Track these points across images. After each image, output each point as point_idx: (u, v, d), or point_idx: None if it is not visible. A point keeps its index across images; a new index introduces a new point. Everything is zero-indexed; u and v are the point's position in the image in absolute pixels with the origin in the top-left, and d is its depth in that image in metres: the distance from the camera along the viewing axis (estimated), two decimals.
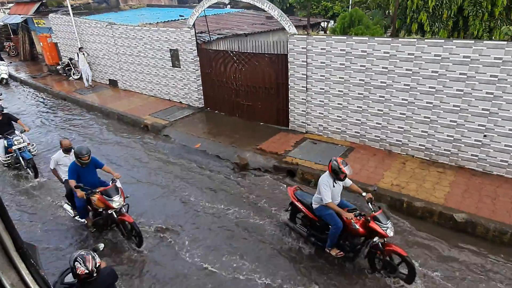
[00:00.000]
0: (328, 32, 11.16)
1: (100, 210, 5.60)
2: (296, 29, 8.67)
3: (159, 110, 11.68)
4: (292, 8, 22.13)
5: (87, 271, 3.30)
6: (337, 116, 8.49)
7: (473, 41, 6.33)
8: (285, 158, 7.97)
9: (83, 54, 14.40)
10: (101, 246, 4.03)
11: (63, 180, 6.16)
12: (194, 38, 10.73)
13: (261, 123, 10.17)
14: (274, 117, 9.89)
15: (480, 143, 6.73)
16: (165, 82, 12.42)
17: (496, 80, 6.22)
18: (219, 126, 10.22)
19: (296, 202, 5.56)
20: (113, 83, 14.90)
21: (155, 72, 12.57)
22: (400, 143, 7.73)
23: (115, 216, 5.51)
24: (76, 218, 6.20)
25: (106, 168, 5.85)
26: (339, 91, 8.21)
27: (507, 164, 6.56)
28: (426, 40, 6.76)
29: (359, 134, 8.31)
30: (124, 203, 5.62)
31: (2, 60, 18.28)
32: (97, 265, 3.38)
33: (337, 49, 7.86)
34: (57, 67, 17.26)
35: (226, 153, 8.71)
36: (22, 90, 16.19)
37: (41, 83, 16.26)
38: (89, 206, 5.84)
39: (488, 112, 6.48)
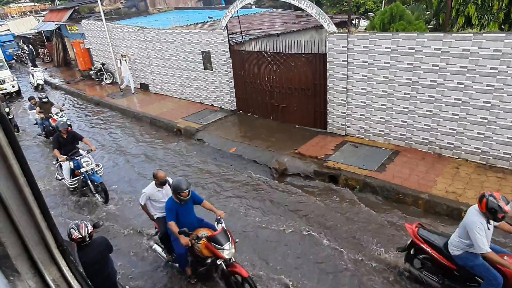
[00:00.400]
0: (366, 29, 10.63)
1: (205, 259, 4.52)
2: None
3: (191, 114, 11.57)
4: (320, 5, 21.57)
5: (80, 236, 3.83)
6: (380, 118, 8.02)
7: None
8: (326, 163, 7.59)
9: (125, 60, 14.13)
10: (101, 223, 4.45)
11: (155, 217, 5.19)
12: (227, 39, 10.52)
13: (297, 126, 9.83)
14: (310, 119, 9.53)
15: None
16: (196, 85, 12.31)
17: None
18: (254, 129, 9.96)
19: (423, 245, 4.41)
20: (144, 87, 14.97)
21: (186, 75, 12.48)
22: (452, 146, 7.18)
23: (225, 267, 4.40)
24: (170, 263, 5.31)
25: (206, 204, 4.81)
26: (382, 91, 7.75)
27: None
28: (484, 35, 6.20)
29: (404, 137, 7.81)
30: (235, 252, 4.52)
31: (37, 66, 18.81)
32: (89, 232, 3.92)
33: (381, 46, 7.41)
34: (90, 72, 17.58)
35: (263, 157, 8.43)
36: (57, 95, 16.59)
37: (74, 88, 16.61)
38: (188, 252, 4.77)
39: None
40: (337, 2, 19.61)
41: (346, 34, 7.84)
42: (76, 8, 18.99)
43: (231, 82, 11.08)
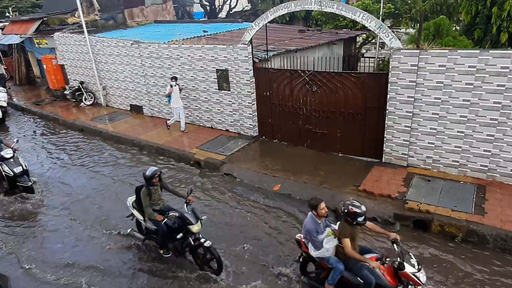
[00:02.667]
0: (406, 44, 9.61)
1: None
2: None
3: (206, 142, 9.86)
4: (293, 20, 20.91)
5: None
6: (455, 147, 6.93)
7: None
8: (407, 204, 6.29)
9: (178, 85, 10.24)
10: None
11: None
12: (251, 56, 9.07)
13: (340, 154, 8.53)
14: (358, 148, 8.27)
15: None
16: (207, 108, 10.65)
17: None
18: (290, 160, 8.49)
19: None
20: (136, 109, 12.98)
21: (194, 96, 10.79)
22: None
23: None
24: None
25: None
26: (461, 116, 6.67)
27: None
28: None
29: (486, 168, 6.75)
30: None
31: (4, 86, 15.94)
32: None
33: (464, 65, 6.35)
34: (65, 92, 15.18)
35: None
36: (26, 120, 14.01)
37: (48, 111, 14.15)
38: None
39: None
40: (332, 17, 18.89)
41: (417, 51, 6.71)
42: (44, 19, 16.56)
43: (253, 104, 9.58)
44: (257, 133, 9.94)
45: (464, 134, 6.77)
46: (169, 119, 10.98)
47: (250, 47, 9.01)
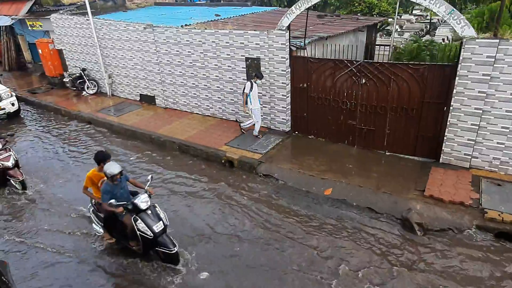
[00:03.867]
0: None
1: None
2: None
3: (235, 138, 8.98)
4: (326, 5, 19.82)
5: None
6: None
7: None
8: (488, 214, 5.63)
9: (257, 83, 8.44)
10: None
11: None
12: (288, 43, 8.15)
13: (387, 153, 7.81)
14: (410, 146, 7.55)
15: None
16: (232, 99, 9.73)
17: None
18: (335, 159, 7.72)
19: None
20: (147, 100, 11.92)
21: (217, 87, 9.83)
22: None
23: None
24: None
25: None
26: (506, 110, 6.01)
27: None
28: None
29: None
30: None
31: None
32: None
33: None
34: (63, 80, 13.93)
35: (382, 203, 6.26)
36: (23, 110, 12.75)
37: (48, 101, 12.91)
38: None
39: None
40: (346, 1, 17.99)
41: (496, 41, 5.94)
42: None
43: (288, 97, 8.71)
44: (290, 128, 9.10)
45: None
46: (241, 121, 9.30)
47: (288, 33, 8.09)
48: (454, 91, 6.54)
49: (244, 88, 8.30)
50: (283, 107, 8.84)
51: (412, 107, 7.23)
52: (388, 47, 11.37)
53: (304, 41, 8.51)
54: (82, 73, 13.15)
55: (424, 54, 10.41)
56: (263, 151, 8.20)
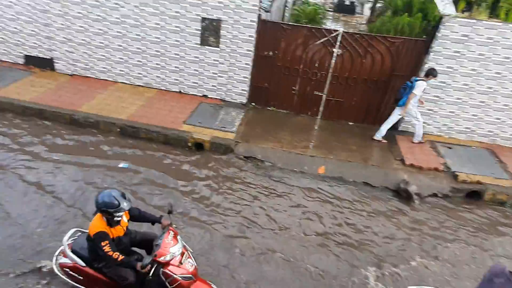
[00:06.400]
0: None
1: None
2: None
3: (190, 114, 7.73)
4: None
5: None
6: (472, 115, 7.47)
7: None
8: (459, 176, 6.53)
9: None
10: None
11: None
12: (258, 5, 7.16)
13: (351, 123, 8.12)
14: (372, 116, 8.01)
15: None
16: (176, 67, 8.19)
17: None
18: (310, 133, 7.56)
19: None
20: (39, 64, 8.91)
21: (156, 52, 8.07)
22: None
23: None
24: None
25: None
26: (487, 87, 7.13)
27: None
28: None
29: (492, 133, 7.58)
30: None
31: None
32: None
33: (510, 39, 6.60)
34: None
35: (374, 177, 6.54)
36: None
37: None
38: None
39: None
40: None
41: (474, 21, 6.54)
42: None
43: (248, 66, 7.86)
44: (246, 100, 8.36)
45: (485, 104, 7.30)
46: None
47: None
48: (426, 65, 7.05)
49: (416, 88, 6.61)
50: (244, 77, 7.97)
51: (382, 79, 7.54)
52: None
53: (271, 3, 7.63)
54: None
55: (318, 18, 11.00)
56: (233, 129, 7.35)
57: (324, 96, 7.45)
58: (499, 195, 6.34)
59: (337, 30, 7.15)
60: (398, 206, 6.07)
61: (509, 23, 7.00)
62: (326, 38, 7.22)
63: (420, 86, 6.64)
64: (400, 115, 7.11)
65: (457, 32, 6.66)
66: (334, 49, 7.12)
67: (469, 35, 6.65)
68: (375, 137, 7.49)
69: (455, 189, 6.43)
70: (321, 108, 7.52)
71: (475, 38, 6.68)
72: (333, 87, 7.75)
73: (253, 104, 8.44)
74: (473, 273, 4.84)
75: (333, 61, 6.67)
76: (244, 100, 8.30)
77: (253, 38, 7.45)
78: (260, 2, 7.29)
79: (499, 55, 6.76)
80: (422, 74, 6.98)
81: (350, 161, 6.84)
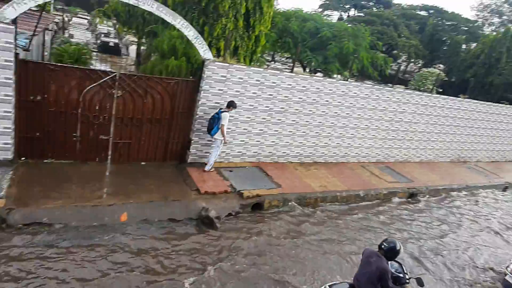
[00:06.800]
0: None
1: None
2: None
3: None
4: None
5: None
6: (241, 141, 9.05)
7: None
8: (244, 194, 7.76)
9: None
10: None
11: None
12: (14, 43, 6.08)
13: (143, 163, 8.15)
14: (162, 153, 8.32)
15: None
16: None
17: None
18: (102, 180, 7.01)
19: None
20: None
21: None
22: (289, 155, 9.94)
23: None
24: None
25: None
26: (247, 117, 8.83)
27: None
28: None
29: (256, 153, 9.44)
30: None
31: None
32: None
33: (253, 79, 8.46)
34: None
35: (178, 212, 6.82)
36: None
37: None
38: None
39: None
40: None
41: (227, 64, 7.96)
42: None
43: (12, 114, 6.51)
44: (13, 156, 6.85)
45: (247, 130, 9.01)
46: None
47: (15, 29, 6.01)
48: (199, 102, 8.02)
49: (223, 119, 7.78)
50: (5, 127, 6.51)
51: (165, 117, 7.97)
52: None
53: (31, 40, 6.63)
54: None
55: (84, 58, 10.92)
56: (0, 193, 5.85)
57: (110, 140, 7.19)
58: (274, 202, 7.98)
59: (114, 72, 7.11)
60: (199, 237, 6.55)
61: (251, 66, 9.06)
62: (103, 80, 6.98)
63: (226, 117, 7.83)
64: (224, 144, 8.27)
65: (217, 74, 7.98)
66: (113, 91, 7.05)
67: (227, 75, 8.10)
68: (205, 169, 8.33)
69: (243, 205, 7.60)
70: (109, 153, 7.21)
71: (231, 78, 8.20)
72: (119, 129, 7.56)
73: (24, 159, 7.01)
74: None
75: (114, 103, 6.55)
76: (9, 156, 6.76)
77: (11, 81, 6.24)
78: (16, 39, 6.23)
79: (250, 91, 8.57)
80: (225, 106, 8.05)
81: (152, 201, 6.84)
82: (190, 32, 7.34)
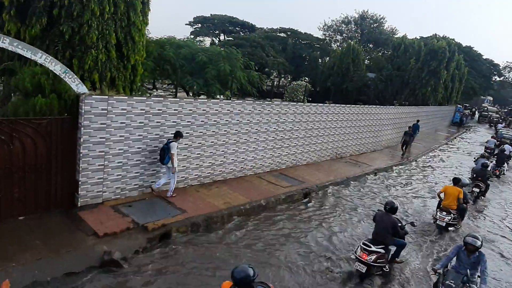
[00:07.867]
0: None
1: None
2: None
3: None
4: None
5: None
6: (135, 173, 8.58)
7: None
8: (148, 226, 7.35)
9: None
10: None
11: None
12: None
13: (21, 217, 7.01)
14: (45, 202, 7.33)
15: None
16: None
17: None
18: None
19: None
20: None
21: None
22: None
23: None
24: None
25: None
26: (138, 148, 8.44)
27: None
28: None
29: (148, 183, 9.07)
30: None
31: None
32: None
33: (138, 109, 8.19)
34: None
35: (76, 263, 6.05)
36: None
37: None
38: None
39: None
40: None
41: (106, 97, 7.51)
42: None
43: None
44: None
45: (140, 161, 8.62)
46: None
47: None
48: (81, 139, 7.36)
49: (172, 148, 8.42)
50: None
51: (41, 161, 7.05)
52: None
53: None
54: None
55: None
56: None
57: None
58: (182, 228, 7.75)
59: None
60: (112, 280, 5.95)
61: (133, 96, 8.75)
62: None
63: (174, 147, 8.42)
64: (173, 173, 8.70)
65: (97, 107, 7.44)
66: None
67: (108, 108, 7.63)
68: (168, 195, 8.83)
69: (150, 238, 7.17)
70: None
71: (113, 110, 7.74)
72: None
73: None
74: None
75: None
76: None
77: None
78: None
79: (136, 121, 8.25)
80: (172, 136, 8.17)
81: (40, 259, 5.90)
82: (56, 67, 6.76)
